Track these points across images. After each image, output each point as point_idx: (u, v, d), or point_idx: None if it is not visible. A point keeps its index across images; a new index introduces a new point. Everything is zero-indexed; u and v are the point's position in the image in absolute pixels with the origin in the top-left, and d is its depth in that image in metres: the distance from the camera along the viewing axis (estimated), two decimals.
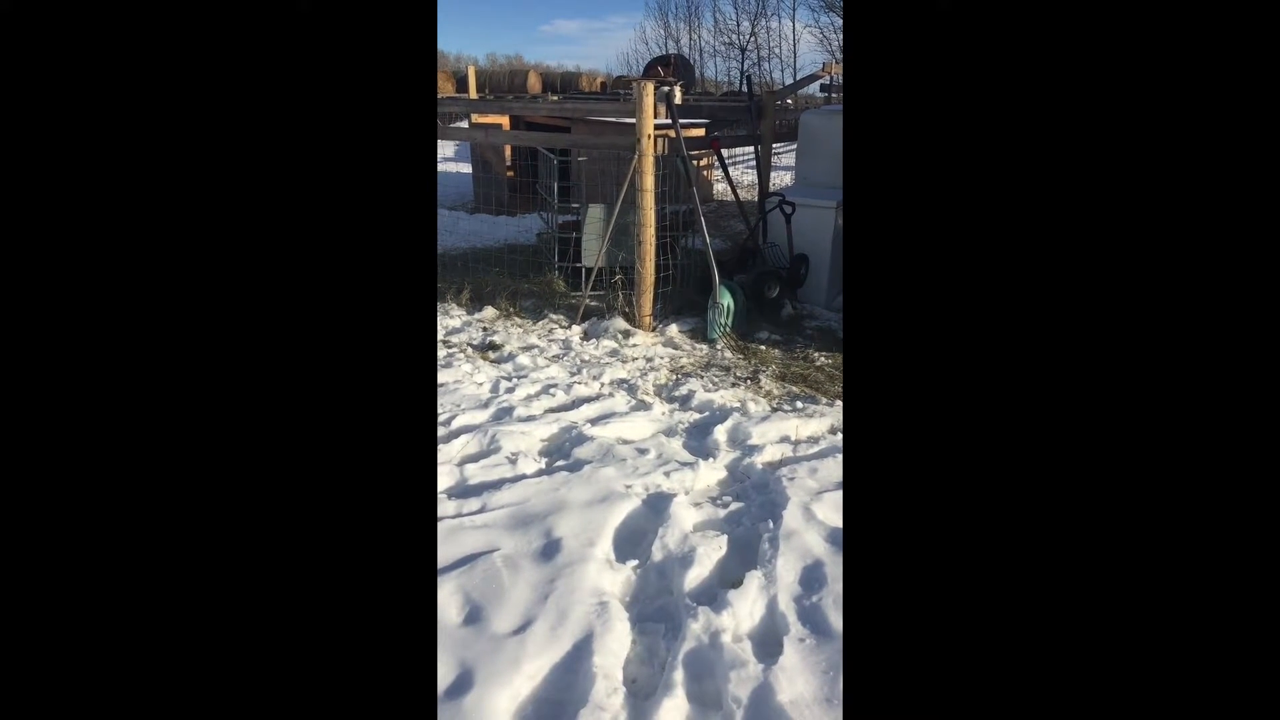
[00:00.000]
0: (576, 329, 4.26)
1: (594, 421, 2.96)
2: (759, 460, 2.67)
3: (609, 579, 1.90)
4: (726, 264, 4.61)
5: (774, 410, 3.14)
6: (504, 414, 3.04)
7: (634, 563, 2.00)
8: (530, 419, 2.98)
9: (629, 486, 2.39)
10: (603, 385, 3.41)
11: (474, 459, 2.63)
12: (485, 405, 3.12)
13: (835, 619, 1.69)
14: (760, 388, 3.42)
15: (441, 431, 2.85)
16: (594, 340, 4.06)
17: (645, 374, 3.56)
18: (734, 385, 3.44)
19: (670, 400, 3.27)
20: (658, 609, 1.80)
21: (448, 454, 2.66)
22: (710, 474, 2.57)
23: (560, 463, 2.63)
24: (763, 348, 3.99)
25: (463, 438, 2.77)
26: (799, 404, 3.22)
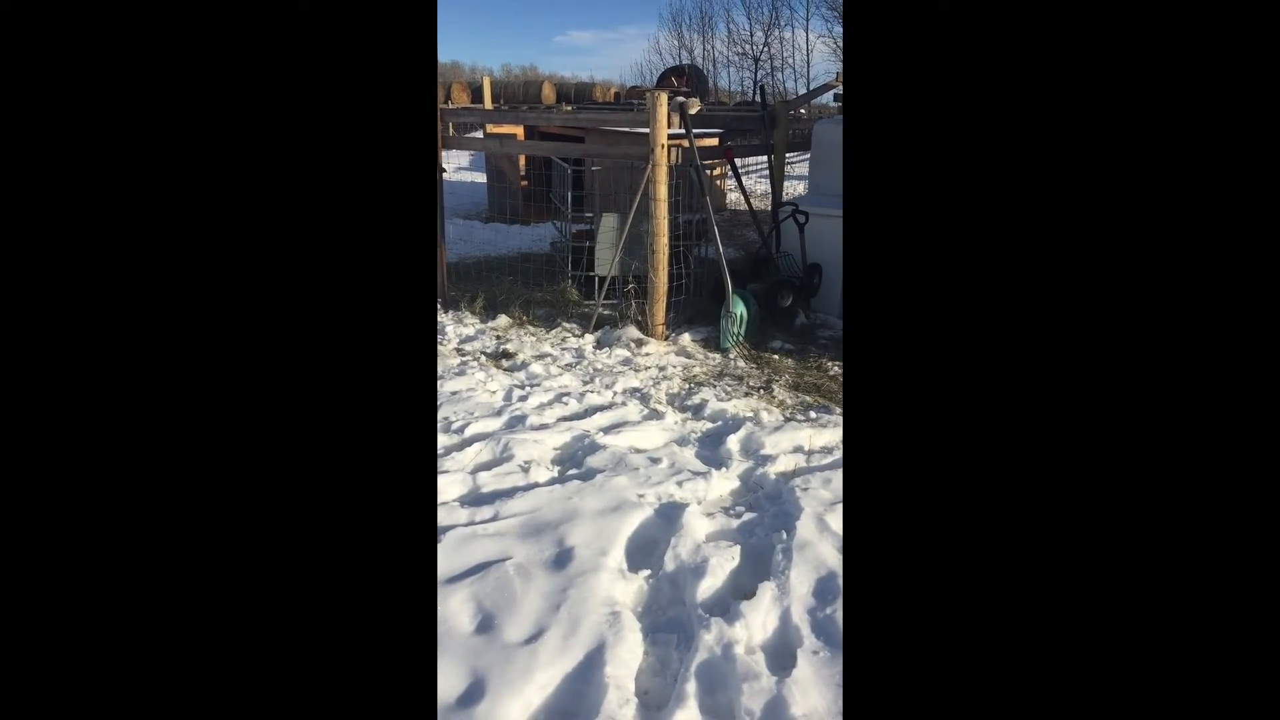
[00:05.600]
0: (589, 338, 4.27)
1: (606, 430, 2.95)
2: (772, 470, 2.65)
3: (621, 589, 1.89)
4: (740, 273, 4.61)
5: (787, 420, 3.12)
6: (517, 422, 3.04)
7: (646, 572, 1.99)
8: (543, 427, 2.98)
9: (641, 496, 2.39)
10: (615, 394, 3.40)
11: (486, 467, 2.63)
12: (498, 413, 3.12)
13: None
14: (773, 397, 3.40)
15: (454, 439, 2.86)
16: (607, 349, 4.06)
17: (658, 383, 3.56)
18: (747, 395, 3.43)
19: (683, 409, 3.26)
20: (670, 619, 1.79)
21: (460, 462, 2.66)
22: (723, 484, 2.56)
23: (573, 471, 2.63)
24: (776, 357, 3.97)
25: (475, 445, 2.77)
26: (812, 414, 3.20)
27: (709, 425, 3.08)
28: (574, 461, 2.72)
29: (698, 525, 2.23)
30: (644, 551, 2.13)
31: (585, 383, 3.54)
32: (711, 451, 2.83)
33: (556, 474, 2.62)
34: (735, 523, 2.30)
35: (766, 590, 1.86)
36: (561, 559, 2.02)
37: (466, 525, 2.20)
